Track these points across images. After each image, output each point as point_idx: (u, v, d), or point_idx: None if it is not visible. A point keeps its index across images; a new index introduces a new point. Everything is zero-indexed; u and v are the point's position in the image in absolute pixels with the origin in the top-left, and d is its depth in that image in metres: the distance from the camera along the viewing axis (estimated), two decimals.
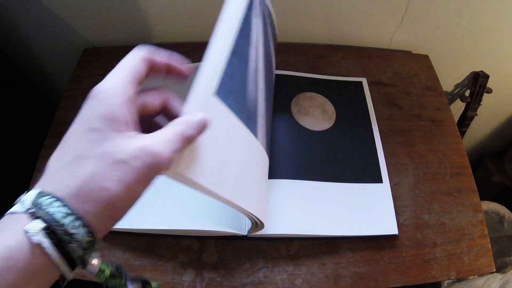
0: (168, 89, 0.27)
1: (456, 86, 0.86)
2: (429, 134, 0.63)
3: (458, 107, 0.90)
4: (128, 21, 0.71)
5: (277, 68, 0.64)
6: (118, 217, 0.22)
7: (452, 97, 0.89)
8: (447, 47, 0.76)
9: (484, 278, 0.78)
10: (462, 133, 0.90)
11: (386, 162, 0.57)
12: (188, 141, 0.24)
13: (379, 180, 0.55)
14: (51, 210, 0.20)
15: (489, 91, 0.82)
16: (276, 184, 0.52)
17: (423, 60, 0.74)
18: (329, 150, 0.57)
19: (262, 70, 0.44)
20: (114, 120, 0.22)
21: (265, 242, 0.51)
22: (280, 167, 0.53)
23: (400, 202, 0.55)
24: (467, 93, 0.85)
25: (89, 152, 0.22)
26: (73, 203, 0.20)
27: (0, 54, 0.71)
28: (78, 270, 0.21)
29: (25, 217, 0.20)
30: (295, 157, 0.55)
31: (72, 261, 0.20)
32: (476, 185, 0.57)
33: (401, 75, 0.71)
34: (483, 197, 0.77)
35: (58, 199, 0.20)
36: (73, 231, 0.19)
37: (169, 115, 0.27)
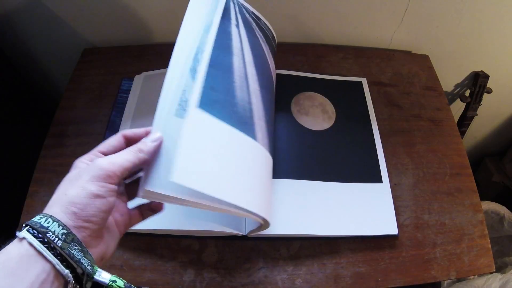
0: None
1: (456, 86, 0.86)
2: (429, 134, 0.63)
3: (458, 107, 0.90)
4: (128, 21, 0.71)
5: (277, 68, 0.64)
6: (85, 210, 0.27)
7: (452, 97, 0.89)
8: (447, 47, 0.76)
9: (484, 278, 0.78)
10: (462, 133, 0.90)
11: (386, 162, 0.57)
12: (138, 149, 0.31)
13: (379, 180, 0.55)
14: (33, 219, 0.26)
15: (489, 91, 0.82)
16: (275, 184, 0.52)
17: (423, 60, 0.74)
18: (329, 150, 0.57)
19: (253, 74, 0.45)
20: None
21: (265, 242, 0.51)
22: (279, 167, 0.54)
23: (400, 202, 0.55)
24: (467, 93, 0.85)
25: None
26: (44, 211, 0.27)
27: (0, 54, 0.71)
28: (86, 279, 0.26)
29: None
30: (295, 156, 0.55)
31: (59, 254, 0.25)
32: (476, 185, 0.57)
33: (401, 75, 0.71)
34: (483, 197, 0.77)
35: (40, 214, 0.27)
36: (46, 224, 0.25)
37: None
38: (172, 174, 0.31)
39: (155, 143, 0.32)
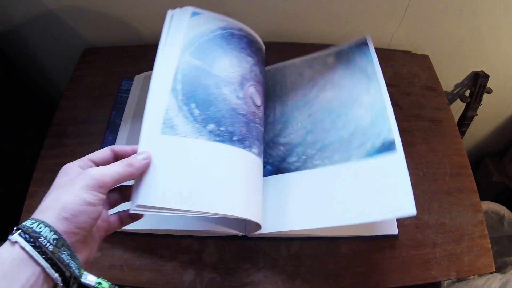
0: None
1: (456, 86, 0.86)
2: (429, 134, 0.63)
3: (458, 107, 0.90)
4: (128, 21, 0.71)
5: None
6: (77, 216, 0.28)
7: (452, 97, 0.89)
8: (447, 47, 0.76)
9: (484, 278, 0.78)
10: (462, 133, 0.90)
11: None
12: (129, 164, 0.33)
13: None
14: (24, 223, 0.28)
15: (489, 91, 0.82)
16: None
17: (423, 60, 0.74)
18: None
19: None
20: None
21: (265, 242, 0.51)
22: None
23: None
24: (467, 93, 0.85)
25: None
26: (36, 216, 0.29)
27: (0, 54, 0.71)
28: (74, 282, 0.28)
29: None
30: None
31: (49, 259, 0.26)
32: (476, 185, 0.57)
33: (401, 75, 0.71)
34: (483, 197, 0.77)
35: (31, 218, 0.28)
36: (38, 230, 0.27)
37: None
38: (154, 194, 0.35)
39: (145, 161, 0.35)
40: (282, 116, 0.57)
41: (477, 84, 0.80)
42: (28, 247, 0.26)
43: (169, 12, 0.53)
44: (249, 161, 0.43)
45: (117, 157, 0.35)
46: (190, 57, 0.47)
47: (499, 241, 0.94)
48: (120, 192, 0.37)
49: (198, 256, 0.50)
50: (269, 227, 0.48)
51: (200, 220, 0.49)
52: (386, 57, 0.74)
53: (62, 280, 0.27)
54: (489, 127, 1.01)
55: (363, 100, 0.51)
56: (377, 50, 0.76)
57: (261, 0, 0.67)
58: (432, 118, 0.65)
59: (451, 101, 0.90)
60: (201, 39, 0.49)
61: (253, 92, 0.48)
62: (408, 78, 0.70)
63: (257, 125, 0.47)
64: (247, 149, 0.43)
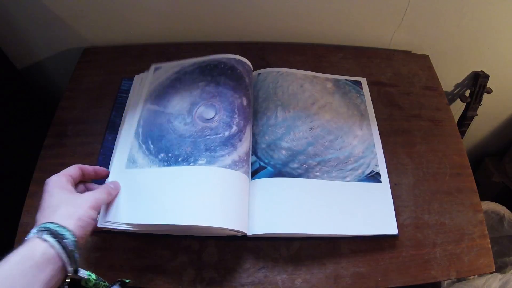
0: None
1: (456, 86, 0.86)
2: (429, 134, 0.63)
3: (458, 107, 0.90)
4: (128, 21, 0.71)
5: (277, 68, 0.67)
6: (87, 227, 0.38)
7: (452, 97, 0.89)
8: (447, 47, 0.76)
9: (484, 278, 0.78)
10: (462, 133, 0.90)
11: (386, 162, 0.57)
12: (109, 192, 0.46)
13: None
14: (48, 225, 0.35)
15: (489, 91, 0.82)
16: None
17: (423, 60, 0.74)
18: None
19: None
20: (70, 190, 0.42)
21: (265, 242, 0.51)
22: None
23: (400, 202, 0.55)
24: (467, 93, 0.85)
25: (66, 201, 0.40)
26: (56, 221, 0.36)
27: (0, 54, 0.71)
28: (73, 275, 0.35)
29: (35, 235, 0.34)
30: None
31: (69, 256, 0.34)
32: (476, 185, 0.57)
33: (401, 75, 0.71)
34: (483, 197, 0.77)
35: (51, 222, 0.36)
36: (62, 233, 0.35)
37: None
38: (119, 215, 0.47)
39: (117, 190, 0.48)
40: (284, 121, 0.59)
41: (477, 84, 0.80)
42: (57, 246, 0.33)
43: (137, 77, 0.66)
44: (196, 173, 0.49)
45: (83, 175, 0.45)
46: (150, 105, 0.59)
47: (499, 241, 0.94)
48: None
49: (198, 256, 0.50)
50: (269, 228, 0.48)
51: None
52: (386, 57, 0.74)
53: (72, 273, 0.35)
54: (489, 127, 1.01)
55: (356, 132, 0.60)
56: (377, 50, 0.76)
57: (261, 0, 0.67)
58: (432, 118, 0.65)
59: (451, 101, 0.90)
60: (159, 87, 0.61)
61: (202, 111, 0.56)
62: (408, 78, 0.70)
63: (208, 137, 0.53)
64: (192, 164, 0.50)
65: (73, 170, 0.44)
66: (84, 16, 0.70)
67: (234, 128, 0.54)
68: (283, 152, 0.55)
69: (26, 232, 0.50)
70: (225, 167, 0.49)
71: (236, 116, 0.55)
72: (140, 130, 0.56)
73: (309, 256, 0.50)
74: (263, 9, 0.69)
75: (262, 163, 0.54)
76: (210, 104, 0.57)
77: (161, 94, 0.60)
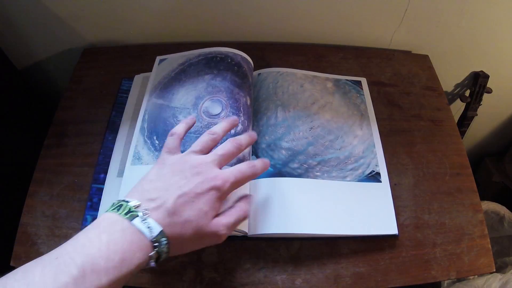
0: None
1: (456, 86, 0.86)
2: (429, 134, 0.63)
3: (458, 107, 0.90)
4: (128, 21, 0.71)
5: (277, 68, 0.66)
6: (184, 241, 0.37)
7: (452, 97, 0.89)
8: (447, 47, 0.76)
9: (484, 278, 0.78)
10: (462, 133, 0.90)
11: (386, 162, 0.57)
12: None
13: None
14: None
15: (489, 91, 0.82)
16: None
17: (423, 60, 0.74)
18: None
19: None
20: None
21: (265, 242, 0.51)
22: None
23: (400, 202, 0.55)
24: (467, 93, 0.85)
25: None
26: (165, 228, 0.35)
27: (0, 54, 0.71)
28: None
29: (126, 219, 0.34)
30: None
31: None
32: (476, 185, 0.57)
33: (401, 75, 0.71)
34: (483, 197, 0.77)
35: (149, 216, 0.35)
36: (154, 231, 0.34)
37: None
38: None
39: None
40: (284, 121, 0.59)
41: (477, 84, 0.80)
42: (149, 235, 0.33)
43: (137, 77, 0.66)
44: None
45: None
46: (155, 98, 0.58)
47: (499, 241, 0.94)
48: None
49: (198, 256, 0.50)
50: (269, 228, 0.48)
51: None
52: (386, 57, 0.74)
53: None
54: (489, 127, 1.01)
55: (356, 132, 0.59)
56: (377, 50, 0.76)
57: (261, 0, 0.67)
58: (432, 118, 0.65)
59: (451, 101, 0.90)
60: (164, 80, 0.60)
61: (209, 105, 0.55)
62: (408, 78, 0.70)
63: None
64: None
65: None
66: (84, 16, 0.70)
67: (240, 127, 0.54)
68: (283, 152, 0.55)
69: (26, 232, 0.51)
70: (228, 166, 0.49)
71: (241, 114, 0.55)
72: (145, 125, 0.55)
73: (309, 256, 0.50)
74: (263, 9, 0.69)
75: None
76: (217, 99, 0.55)
77: (166, 87, 0.59)
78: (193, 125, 0.46)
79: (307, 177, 0.53)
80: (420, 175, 0.58)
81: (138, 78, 0.66)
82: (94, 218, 0.51)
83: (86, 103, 0.65)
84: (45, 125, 0.63)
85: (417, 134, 0.62)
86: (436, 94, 0.68)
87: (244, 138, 0.44)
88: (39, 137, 0.62)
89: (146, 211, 0.34)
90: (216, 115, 0.54)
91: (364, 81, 0.67)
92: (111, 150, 0.57)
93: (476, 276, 0.79)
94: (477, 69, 0.81)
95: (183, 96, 0.57)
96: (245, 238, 0.50)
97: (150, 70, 0.67)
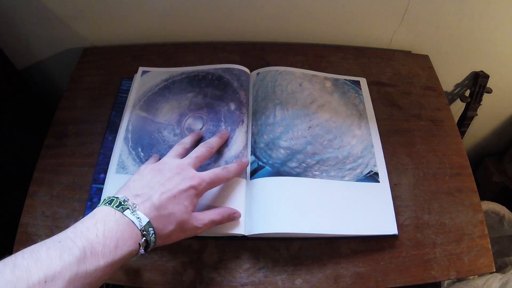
0: None
1: (456, 86, 0.86)
2: (429, 134, 0.63)
3: (458, 107, 0.90)
4: (128, 21, 0.71)
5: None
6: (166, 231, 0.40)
7: (452, 97, 0.89)
8: (447, 47, 0.76)
9: (484, 278, 0.78)
10: (462, 133, 0.90)
11: (386, 162, 0.57)
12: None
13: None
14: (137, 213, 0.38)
15: (489, 91, 0.82)
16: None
17: (423, 60, 0.74)
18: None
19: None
20: None
21: (265, 242, 0.51)
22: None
23: (400, 202, 0.55)
24: (467, 93, 0.85)
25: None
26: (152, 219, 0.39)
27: (0, 54, 0.71)
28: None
29: (118, 211, 0.37)
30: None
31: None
32: (476, 185, 0.57)
33: (401, 75, 0.71)
34: (483, 197, 0.77)
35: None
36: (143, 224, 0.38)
37: None
38: None
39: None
40: (282, 120, 0.59)
41: (477, 84, 0.80)
42: (140, 226, 0.37)
43: (136, 76, 0.66)
44: None
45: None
46: (139, 110, 0.60)
47: (499, 241, 0.94)
48: None
49: (198, 256, 0.50)
50: (268, 228, 0.48)
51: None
52: (386, 57, 0.74)
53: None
54: (489, 127, 1.01)
55: (355, 131, 0.60)
56: (377, 50, 0.76)
57: (261, 0, 0.67)
58: (432, 118, 0.65)
59: (451, 101, 0.90)
60: (148, 94, 0.62)
61: (191, 122, 0.58)
62: (408, 78, 0.70)
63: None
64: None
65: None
66: (84, 16, 0.70)
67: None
68: (282, 151, 0.55)
69: (26, 232, 0.51)
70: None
71: (222, 124, 0.57)
72: (129, 135, 0.58)
73: (309, 256, 0.50)
74: (263, 9, 0.69)
75: (260, 163, 0.54)
76: (198, 116, 0.59)
77: (150, 101, 0.62)
78: (199, 138, 0.55)
79: (306, 176, 0.53)
80: (420, 175, 0.58)
81: (136, 77, 0.66)
82: None
83: (86, 103, 0.65)
84: (45, 125, 0.63)
85: (417, 134, 0.62)
86: (436, 94, 0.68)
87: (215, 141, 0.51)
88: (39, 137, 0.62)
89: (134, 205, 0.38)
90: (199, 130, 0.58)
91: (363, 81, 0.67)
92: (111, 150, 0.57)
93: (476, 276, 0.79)
94: (477, 69, 0.81)
95: (168, 112, 0.60)
96: (245, 238, 0.50)
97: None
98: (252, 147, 0.56)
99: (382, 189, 0.54)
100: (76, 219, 0.51)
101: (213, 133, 0.55)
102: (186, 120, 0.59)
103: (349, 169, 0.55)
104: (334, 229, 0.49)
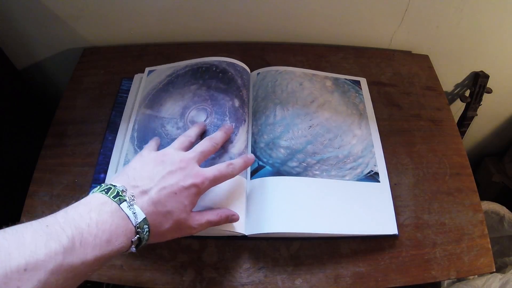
0: None
1: (456, 86, 0.86)
2: (429, 134, 0.63)
3: (458, 107, 0.90)
4: (128, 21, 0.71)
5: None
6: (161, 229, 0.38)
7: (452, 97, 0.89)
8: (447, 47, 0.76)
9: (484, 278, 0.78)
10: (462, 133, 0.90)
11: (386, 162, 0.57)
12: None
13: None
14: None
15: (489, 91, 0.82)
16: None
17: (423, 60, 0.74)
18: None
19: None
20: None
21: (265, 242, 0.51)
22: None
23: (400, 202, 0.55)
24: (467, 93, 0.85)
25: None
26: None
27: (0, 54, 0.71)
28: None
29: (114, 202, 0.35)
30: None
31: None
32: (476, 185, 0.57)
33: (401, 75, 0.71)
34: (483, 197, 0.77)
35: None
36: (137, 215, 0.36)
37: None
38: None
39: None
40: (283, 120, 0.59)
41: (477, 84, 0.80)
42: (132, 218, 0.35)
43: (137, 77, 0.66)
44: None
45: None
46: (144, 109, 0.60)
47: (499, 241, 0.94)
48: None
49: (198, 256, 0.50)
50: (268, 227, 0.48)
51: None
52: (386, 57, 0.74)
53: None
54: (489, 127, 1.01)
55: (355, 131, 0.59)
56: (377, 50, 0.76)
57: (261, 0, 0.67)
58: (432, 118, 0.65)
59: (451, 101, 0.90)
60: (153, 91, 0.62)
61: (194, 114, 0.57)
62: (408, 78, 0.70)
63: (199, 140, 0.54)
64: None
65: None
66: (84, 16, 0.70)
67: None
68: (282, 150, 0.55)
69: None
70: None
71: (227, 118, 0.56)
72: (136, 134, 0.57)
73: (309, 256, 0.50)
74: (263, 9, 0.69)
75: (260, 162, 0.54)
76: (202, 107, 0.57)
77: (154, 98, 0.61)
78: (203, 130, 0.53)
79: (306, 176, 0.53)
80: (420, 175, 0.58)
81: (138, 78, 0.66)
82: None
83: (86, 103, 0.65)
84: (45, 125, 0.63)
85: (417, 134, 0.62)
86: (436, 94, 0.68)
87: (220, 136, 0.49)
88: (39, 137, 0.62)
89: (132, 197, 0.36)
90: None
91: (363, 81, 0.67)
92: (111, 150, 0.57)
93: (476, 276, 0.79)
94: (477, 69, 0.81)
95: (171, 106, 0.59)
96: (245, 238, 0.50)
97: None
98: (252, 146, 0.56)
99: (382, 189, 0.54)
100: None
101: (217, 127, 0.54)
102: (189, 112, 0.57)
103: (350, 168, 0.55)
104: (334, 229, 0.49)
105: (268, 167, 0.54)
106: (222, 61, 0.63)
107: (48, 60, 0.80)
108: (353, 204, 0.52)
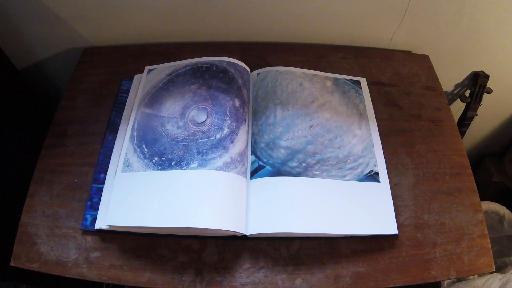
0: None
1: (456, 86, 0.86)
2: (429, 134, 0.63)
3: (458, 107, 0.90)
4: (128, 21, 0.71)
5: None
6: None
7: (452, 97, 0.89)
8: (447, 47, 0.76)
9: (484, 278, 0.78)
10: (462, 133, 0.90)
11: (386, 162, 0.57)
12: None
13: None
14: None
15: (489, 91, 0.82)
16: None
17: (423, 60, 0.74)
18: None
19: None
20: None
21: (265, 242, 0.51)
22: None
23: (400, 202, 0.55)
24: (467, 93, 0.85)
25: None
26: None
27: (0, 54, 0.71)
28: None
29: None
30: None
31: None
32: (476, 185, 0.57)
33: (401, 75, 0.71)
34: (483, 197, 0.77)
35: None
36: None
37: None
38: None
39: None
40: (283, 120, 0.59)
41: (477, 84, 0.80)
42: None
43: (137, 77, 0.66)
44: (188, 177, 0.51)
45: None
46: (144, 108, 0.60)
47: (499, 241, 0.94)
48: None
49: (198, 256, 0.50)
50: (268, 227, 0.48)
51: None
52: (386, 57, 0.74)
53: None
54: (489, 127, 1.01)
55: (355, 131, 0.59)
56: (377, 50, 0.76)
57: (261, 0, 0.67)
58: (432, 118, 0.65)
59: (451, 101, 0.90)
60: (153, 90, 0.62)
61: (194, 114, 0.57)
62: (408, 78, 0.70)
63: (199, 140, 0.54)
64: (184, 168, 0.51)
65: None
66: (84, 16, 0.70)
67: (226, 130, 0.55)
68: (282, 151, 0.55)
69: (26, 232, 0.51)
70: (216, 169, 0.50)
71: (227, 118, 0.56)
72: (135, 133, 0.57)
73: (309, 256, 0.50)
74: (263, 10, 0.69)
75: (261, 163, 0.54)
76: (202, 107, 0.58)
77: (154, 97, 0.61)
78: None
79: (306, 176, 0.53)
80: (420, 175, 0.58)
81: (138, 78, 0.66)
82: (94, 218, 0.51)
83: (86, 103, 0.65)
84: (45, 125, 0.63)
85: (417, 134, 0.62)
86: (436, 94, 0.68)
87: None
88: (39, 137, 0.62)
89: None
90: (201, 123, 0.56)
91: (363, 81, 0.68)
92: (111, 150, 0.57)
93: (476, 276, 0.79)
94: (477, 69, 0.81)
95: (171, 105, 0.59)
96: (245, 238, 0.50)
97: None
98: (252, 147, 0.56)
99: (382, 189, 0.54)
100: (76, 219, 0.52)
101: (218, 127, 0.54)
102: (189, 112, 0.57)
103: (350, 168, 0.55)
104: (334, 229, 0.49)
105: (268, 167, 0.54)
106: (223, 60, 0.63)
107: (48, 60, 0.80)
108: (353, 204, 0.52)
